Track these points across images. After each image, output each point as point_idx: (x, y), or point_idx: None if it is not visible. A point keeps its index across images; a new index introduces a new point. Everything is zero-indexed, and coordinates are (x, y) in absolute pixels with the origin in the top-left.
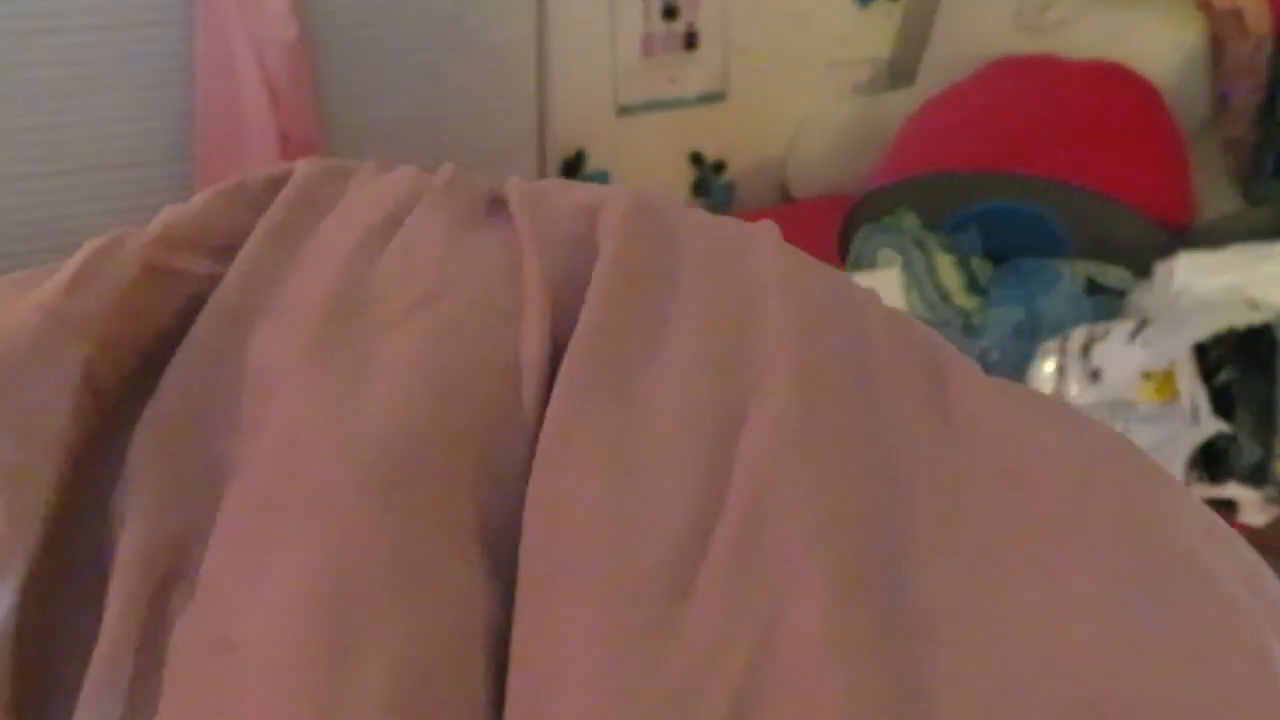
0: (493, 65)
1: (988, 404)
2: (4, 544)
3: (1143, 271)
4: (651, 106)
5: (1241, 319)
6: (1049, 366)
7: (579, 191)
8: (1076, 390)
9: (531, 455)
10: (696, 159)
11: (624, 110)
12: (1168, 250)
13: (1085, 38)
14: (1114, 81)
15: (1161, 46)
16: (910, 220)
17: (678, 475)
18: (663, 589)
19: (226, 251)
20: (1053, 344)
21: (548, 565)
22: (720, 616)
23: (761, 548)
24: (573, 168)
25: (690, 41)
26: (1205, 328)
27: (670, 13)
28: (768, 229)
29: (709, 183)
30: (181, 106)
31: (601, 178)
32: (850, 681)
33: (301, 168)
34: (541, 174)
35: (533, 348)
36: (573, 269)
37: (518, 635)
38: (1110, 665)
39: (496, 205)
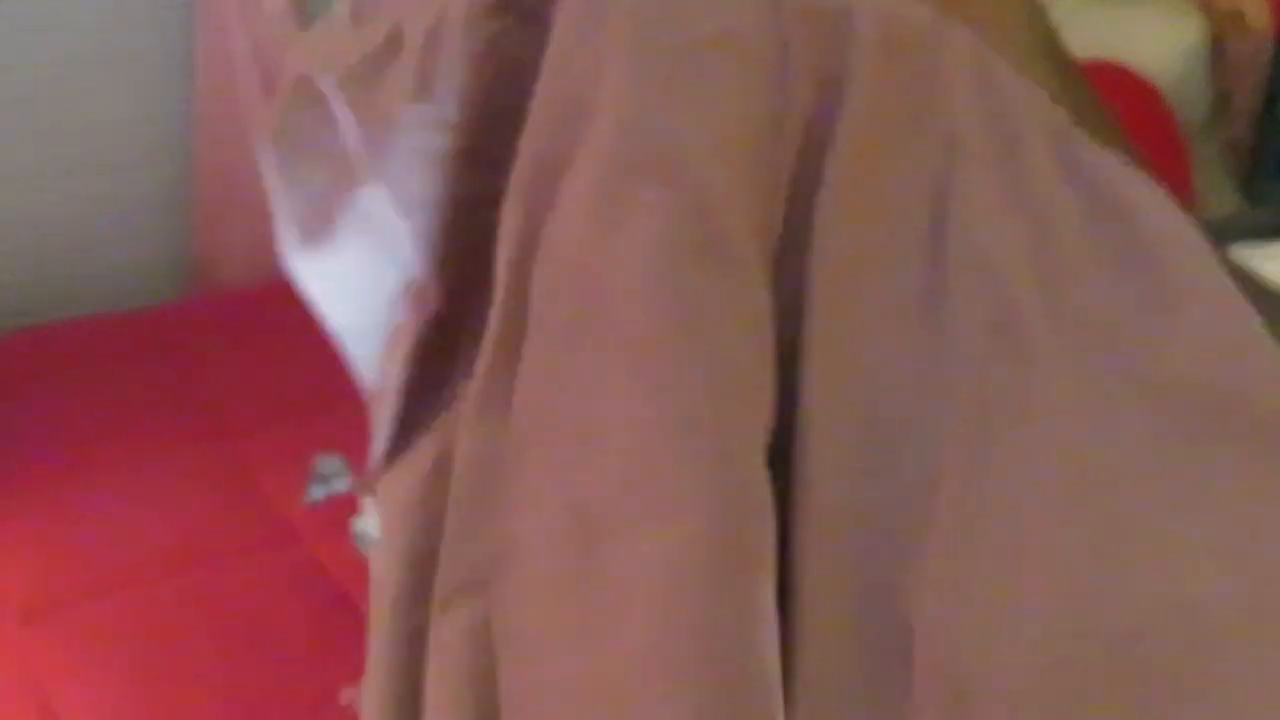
0: None
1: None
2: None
3: None
4: None
5: None
6: None
7: None
8: None
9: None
10: None
11: None
12: None
13: (1085, 38)
14: (1114, 81)
15: (1161, 46)
16: None
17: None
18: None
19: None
20: None
21: (836, 274)
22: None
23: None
24: None
25: None
26: None
27: None
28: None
29: None
30: (181, 106)
31: None
32: None
33: None
34: None
35: (798, 101)
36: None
37: (814, 311)
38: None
39: None
